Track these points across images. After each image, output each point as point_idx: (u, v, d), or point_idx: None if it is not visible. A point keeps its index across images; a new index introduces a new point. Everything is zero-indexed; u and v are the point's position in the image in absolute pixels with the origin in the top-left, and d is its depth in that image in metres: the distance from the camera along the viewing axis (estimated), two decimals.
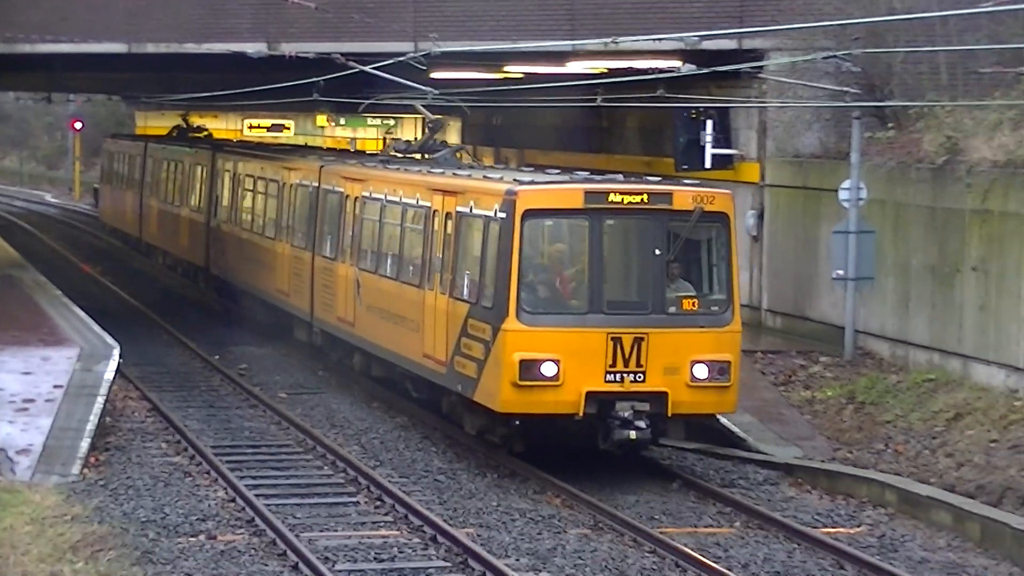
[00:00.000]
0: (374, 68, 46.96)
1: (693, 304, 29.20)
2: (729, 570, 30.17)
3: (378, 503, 35.35)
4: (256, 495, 34.69)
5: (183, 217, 65.51)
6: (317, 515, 33.88)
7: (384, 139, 51.54)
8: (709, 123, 51.03)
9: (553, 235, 30.97)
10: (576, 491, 35.36)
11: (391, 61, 46.58)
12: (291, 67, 50.17)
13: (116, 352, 43.80)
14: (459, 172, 37.24)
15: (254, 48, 47.92)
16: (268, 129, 70.00)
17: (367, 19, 47.63)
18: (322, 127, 77.13)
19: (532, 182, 31.78)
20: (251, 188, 55.66)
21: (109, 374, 41.67)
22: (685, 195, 29.38)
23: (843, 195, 44.66)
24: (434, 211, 35.17)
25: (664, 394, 28.31)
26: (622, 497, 35.24)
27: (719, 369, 28.98)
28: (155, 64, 55.53)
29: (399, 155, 47.17)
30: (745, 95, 51.35)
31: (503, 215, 29.69)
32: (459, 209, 33.41)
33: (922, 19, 42.10)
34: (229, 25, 49.04)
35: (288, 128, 69.81)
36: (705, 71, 46.88)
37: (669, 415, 28.76)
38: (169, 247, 68.49)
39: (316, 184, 47.18)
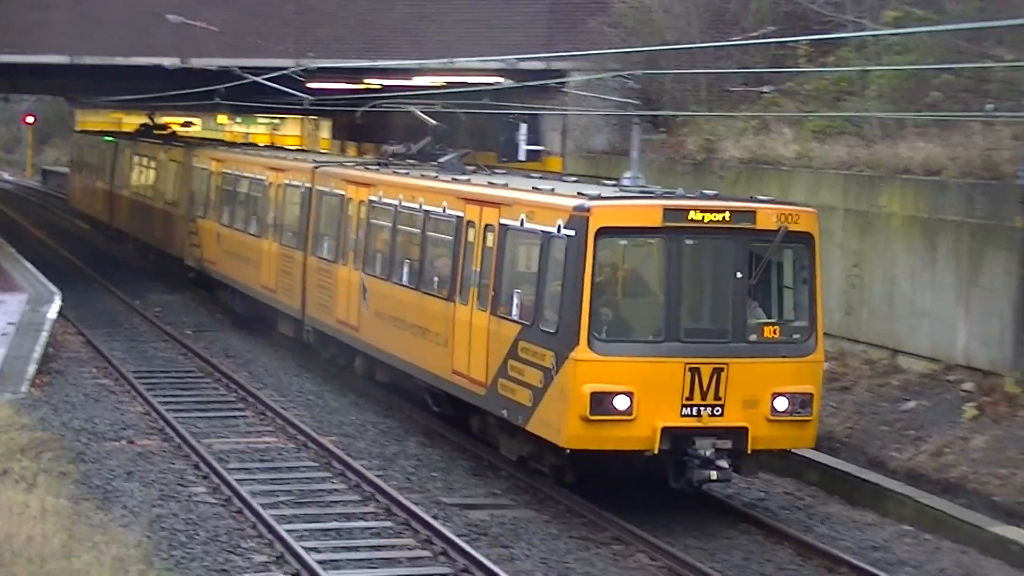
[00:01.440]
0: (264, 79, 48.47)
1: (775, 332, 24.59)
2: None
3: (262, 416, 37.87)
4: (166, 409, 37.17)
5: (157, 208, 61.42)
6: (214, 426, 36.35)
7: (379, 147, 48.84)
8: (523, 126, 52.50)
9: (628, 256, 25.56)
10: (412, 409, 37.10)
11: (277, 74, 48.79)
12: (199, 77, 51.98)
13: (58, 298, 46.27)
14: (494, 181, 32.04)
15: (170, 62, 50.82)
16: (181, 125, 71.81)
17: (259, 40, 50.57)
18: (222, 124, 78.87)
19: (601, 196, 25.55)
20: (231, 186, 50.93)
21: (52, 314, 44.26)
22: (769, 213, 24.55)
23: (625, 183, 39.92)
24: (468, 221, 29.90)
25: (744, 429, 23.67)
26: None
27: (800, 402, 24.12)
28: (92, 73, 57.32)
29: (396, 159, 42.80)
30: (551, 104, 54.29)
31: (570, 232, 24.28)
32: (504, 222, 27.85)
33: (687, 49, 45.97)
34: (151, 43, 50.60)
35: (196, 124, 70.94)
36: (520, 85, 50.46)
37: (748, 451, 24.11)
38: (140, 235, 65.44)
39: (309, 185, 42.54)
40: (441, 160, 38.90)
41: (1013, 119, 34.46)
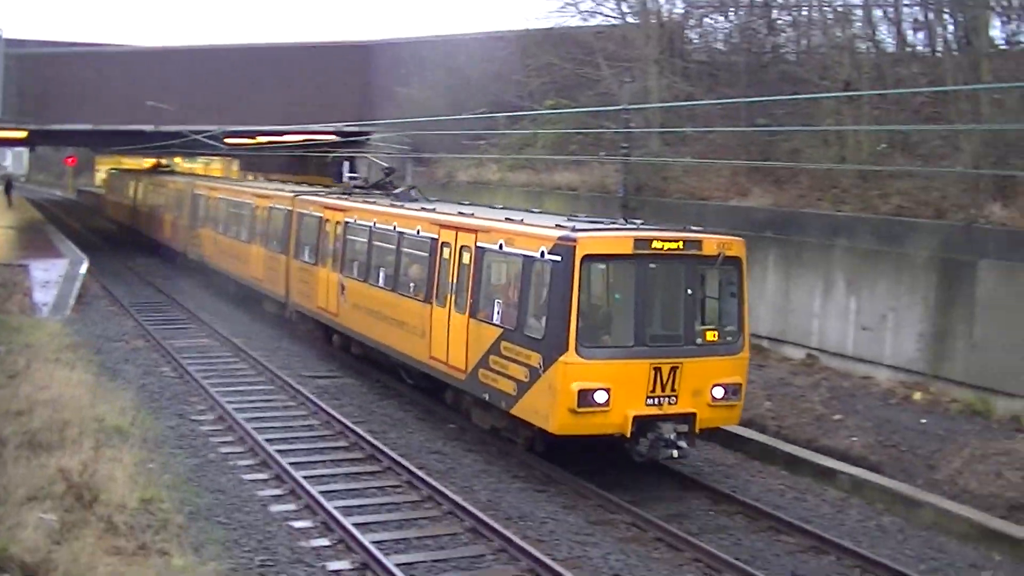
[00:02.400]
0: (201, 136, 49.27)
1: (715, 335, 20.69)
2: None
3: (203, 326, 36.88)
4: (146, 323, 36.39)
5: (167, 219, 54.62)
6: (175, 333, 35.27)
7: (344, 177, 46.33)
8: (346, 163, 50.34)
9: (605, 277, 20.94)
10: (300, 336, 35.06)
11: (207, 133, 49.20)
12: (164, 136, 51.36)
13: (86, 261, 44.39)
14: (463, 211, 25.52)
15: (148, 127, 49.96)
16: (154, 163, 70.06)
17: (198, 112, 49.62)
18: (178, 162, 77.58)
19: (581, 229, 20.50)
20: (224, 207, 44.76)
21: (83, 270, 42.55)
22: (712, 242, 20.63)
23: (412, 193, 42.03)
24: (442, 242, 24.31)
25: (693, 414, 20.05)
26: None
27: (732, 390, 20.45)
28: (104, 134, 55.46)
29: (359, 190, 35.58)
30: (362, 151, 51.51)
31: (557, 258, 19.96)
32: (481, 245, 22.66)
33: (436, 120, 44.55)
34: (138, 116, 49.22)
35: (164, 162, 70.00)
36: (345, 140, 51.04)
37: (696, 431, 20.27)
38: (155, 236, 58.48)
39: (290, 209, 36.15)
40: (395, 191, 33.30)
41: (615, 162, 34.62)
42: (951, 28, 29.06)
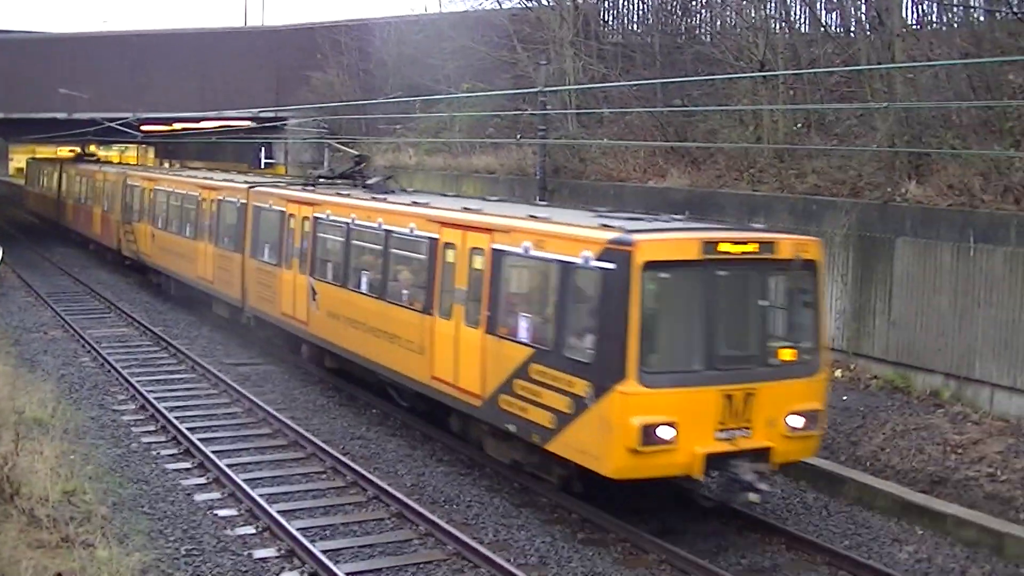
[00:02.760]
0: (115, 124, 48.63)
1: (790, 354, 17.12)
2: None
3: (122, 316, 36.54)
4: (64, 314, 36.00)
5: (97, 212, 50.52)
6: (93, 322, 35.20)
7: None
8: (263, 148, 53.78)
9: (668, 288, 16.76)
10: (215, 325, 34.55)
11: (122, 120, 48.50)
12: (77, 124, 51.15)
13: (1, 252, 44.12)
14: (468, 205, 21.76)
15: (61, 115, 49.49)
16: (69, 151, 67.87)
17: (112, 100, 49.02)
18: (93, 151, 76.20)
19: (638, 230, 16.77)
20: (164, 200, 39.74)
21: None
22: (787, 243, 17.11)
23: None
24: (446, 243, 20.59)
25: (768, 448, 16.60)
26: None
27: (812, 418, 16.95)
28: (16, 122, 54.52)
29: (324, 180, 30.83)
30: (279, 135, 52.87)
31: (609, 265, 16.15)
32: (498, 247, 18.87)
33: (351, 104, 45.43)
34: (49, 103, 48.81)
35: (76, 150, 67.69)
36: (261, 126, 50.91)
37: (771, 468, 16.97)
38: (84, 231, 54.06)
39: (244, 201, 31.28)
40: (368, 182, 28.86)
41: (532, 144, 34.70)
42: (864, 8, 29.30)
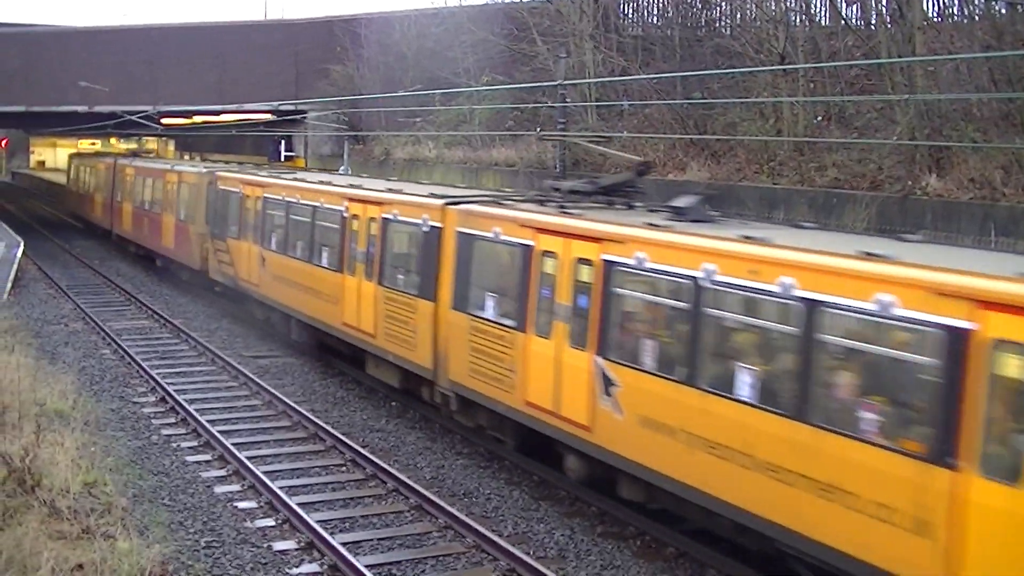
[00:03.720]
0: (135, 117, 48.64)
1: None
2: None
3: (142, 308, 36.48)
4: (85, 306, 36.05)
5: (166, 222, 42.36)
6: (113, 314, 35.13)
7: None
8: (283, 142, 53.81)
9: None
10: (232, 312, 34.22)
11: (142, 113, 48.76)
12: (99, 116, 51.63)
13: (22, 244, 44.79)
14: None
15: (82, 108, 49.93)
16: (90, 144, 67.95)
17: (131, 93, 49.24)
18: (112, 143, 75.82)
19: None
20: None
21: (19, 253, 42.91)
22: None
23: (341, 170, 43.35)
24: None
25: None
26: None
27: None
28: (37, 116, 54.49)
29: (579, 193, 19.86)
30: (299, 129, 53.61)
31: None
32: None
33: (369, 98, 45.96)
34: (70, 97, 49.27)
35: (97, 143, 67.53)
36: (281, 119, 51.64)
37: None
38: (149, 244, 46.26)
39: (439, 225, 20.31)
40: (678, 203, 17.22)
41: (553, 138, 34.64)
42: (884, 1, 29.19)
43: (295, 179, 30.47)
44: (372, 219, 23.72)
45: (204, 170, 38.35)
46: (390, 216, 22.94)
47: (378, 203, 23.69)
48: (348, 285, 24.66)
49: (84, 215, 61.17)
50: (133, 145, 63.91)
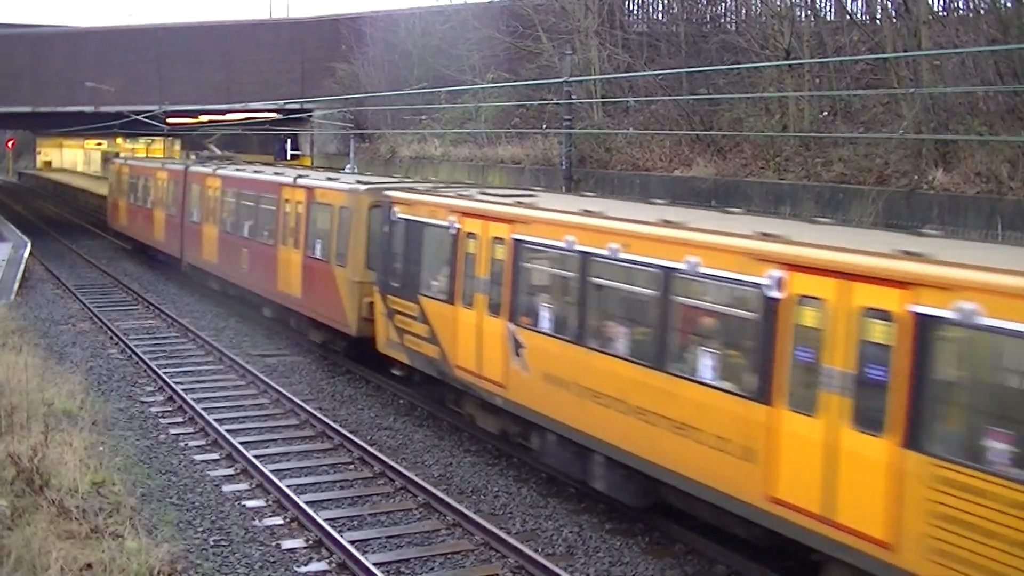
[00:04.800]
0: (141, 117, 48.88)
1: None
2: None
3: (149, 307, 36.47)
4: (92, 305, 36.16)
5: (286, 259, 31.86)
6: (121, 314, 35.19)
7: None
8: (289, 140, 53.32)
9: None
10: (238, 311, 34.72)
11: (148, 113, 48.84)
12: (105, 116, 51.66)
13: (29, 245, 45.12)
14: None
15: (88, 108, 49.91)
16: (96, 144, 68.05)
17: (138, 93, 49.34)
18: (119, 143, 75.95)
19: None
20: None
21: (26, 254, 43.19)
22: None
23: (347, 169, 41.39)
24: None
25: None
26: None
27: None
28: (43, 116, 54.61)
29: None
30: (304, 127, 53.58)
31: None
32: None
33: (367, 96, 45.90)
34: (76, 97, 49.31)
35: (103, 143, 67.66)
36: (286, 117, 51.56)
37: None
38: (249, 285, 36.10)
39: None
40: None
41: (559, 133, 34.57)
42: None
43: (585, 212, 17.83)
44: None
45: (361, 188, 26.35)
46: None
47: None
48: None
49: (136, 236, 49.51)
50: (205, 152, 51.02)
